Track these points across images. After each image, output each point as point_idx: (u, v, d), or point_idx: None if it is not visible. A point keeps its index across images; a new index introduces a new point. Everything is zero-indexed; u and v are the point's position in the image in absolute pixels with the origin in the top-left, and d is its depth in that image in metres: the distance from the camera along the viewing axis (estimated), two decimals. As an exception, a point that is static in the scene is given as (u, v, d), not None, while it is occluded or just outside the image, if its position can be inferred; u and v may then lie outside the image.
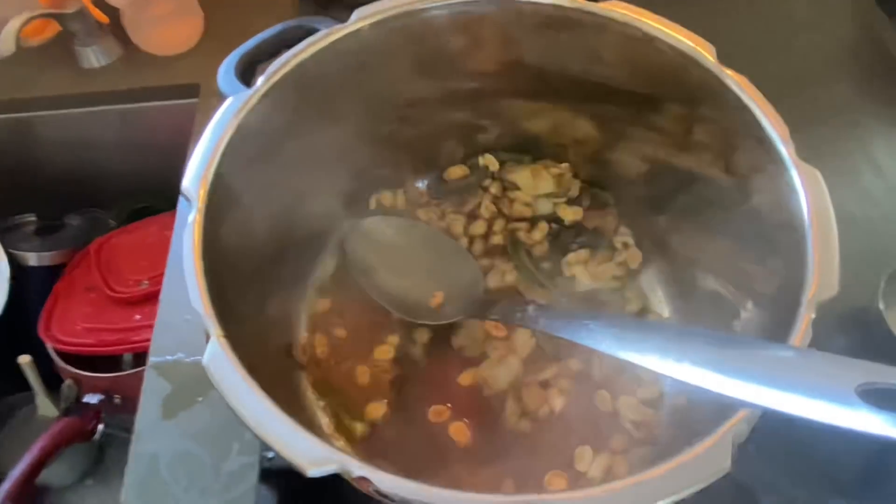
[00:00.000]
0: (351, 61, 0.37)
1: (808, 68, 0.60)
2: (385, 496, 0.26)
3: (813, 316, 0.26)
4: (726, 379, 0.24)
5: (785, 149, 0.30)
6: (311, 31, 0.38)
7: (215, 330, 0.26)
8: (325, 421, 0.40)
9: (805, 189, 0.29)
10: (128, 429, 0.72)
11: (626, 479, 0.23)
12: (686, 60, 0.34)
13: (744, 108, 0.32)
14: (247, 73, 0.37)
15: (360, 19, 0.36)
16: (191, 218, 0.29)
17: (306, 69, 0.35)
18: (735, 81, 0.33)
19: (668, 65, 0.35)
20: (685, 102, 0.37)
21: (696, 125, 0.37)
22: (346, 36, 0.36)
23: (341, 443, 0.39)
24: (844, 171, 0.53)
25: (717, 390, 0.24)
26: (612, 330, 0.30)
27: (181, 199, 0.56)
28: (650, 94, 0.38)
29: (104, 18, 0.66)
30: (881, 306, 0.43)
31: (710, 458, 0.23)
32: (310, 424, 0.39)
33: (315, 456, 0.23)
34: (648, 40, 0.35)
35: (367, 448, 0.39)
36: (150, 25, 0.68)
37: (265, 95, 0.34)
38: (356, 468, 0.23)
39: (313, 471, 0.23)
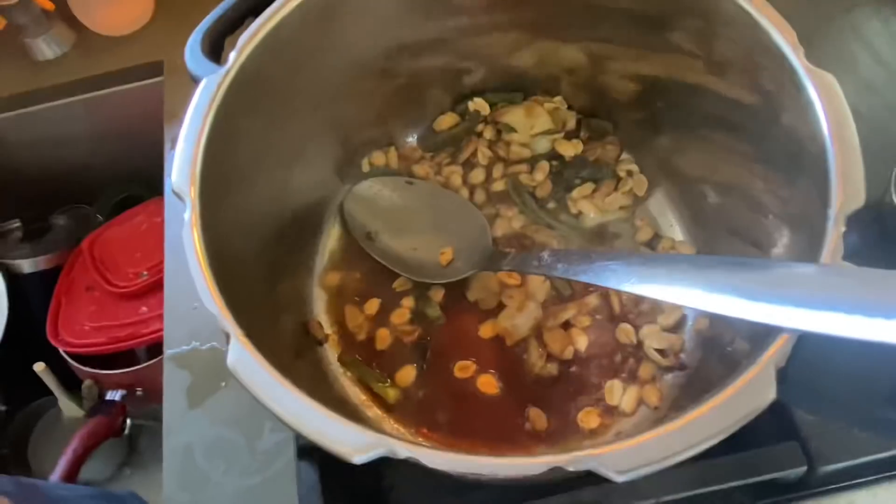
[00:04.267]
0: (321, 17, 0.35)
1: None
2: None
3: (843, 229, 0.25)
4: (762, 305, 0.24)
5: (795, 56, 0.28)
6: (274, -7, 0.35)
7: (235, 331, 0.25)
8: (353, 391, 0.40)
9: (821, 97, 0.28)
10: (156, 417, 0.73)
11: (673, 422, 0.23)
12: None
13: (747, 16, 0.30)
14: (215, 48, 0.35)
15: (325, -28, 0.33)
16: (186, 216, 0.28)
17: (277, 36, 0.33)
18: (735, -12, 0.31)
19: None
20: (681, 16, 0.35)
21: (694, 38, 0.35)
22: (313, -7, 0.33)
23: (374, 411, 0.39)
24: (842, 61, 0.51)
25: (754, 319, 0.24)
26: (635, 268, 0.29)
27: (167, 186, 0.55)
28: (646, 10, 0.36)
29: (49, 5, 0.62)
30: (895, 199, 0.42)
31: (754, 389, 0.23)
32: (340, 399, 0.39)
33: (359, 443, 0.23)
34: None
35: (402, 412, 0.39)
36: (99, 5, 0.64)
37: (239, 72, 0.32)
38: (402, 451, 0.23)
39: (359, 458, 0.23)
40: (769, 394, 0.23)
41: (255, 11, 0.35)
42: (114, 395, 0.67)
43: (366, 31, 0.39)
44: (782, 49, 0.29)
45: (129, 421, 0.68)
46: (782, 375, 0.24)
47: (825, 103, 0.27)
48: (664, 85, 0.41)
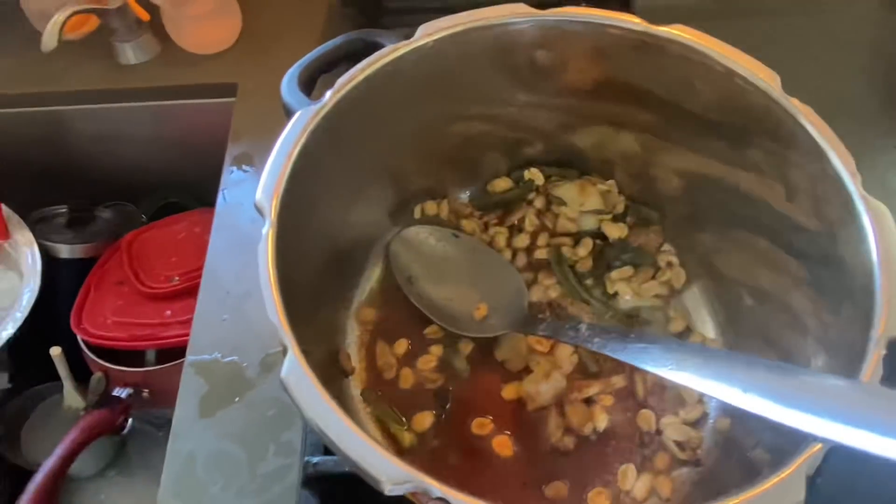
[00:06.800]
0: (412, 78, 0.38)
1: (852, 92, 0.59)
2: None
3: (884, 353, 0.26)
4: (799, 411, 0.25)
5: (852, 182, 0.30)
6: (371, 44, 0.38)
7: (293, 345, 0.26)
8: (370, 428, 0.41)
9: (872, 224, 0.29)
10: (153, 423, 0.73)
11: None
12: (749, 88, 0.34)
13: (809, 139, 0.32)
14: (308, 85, 0.38)
15: (425, 35, 0.36)
16: (265, 231, 0.30)
17: (370, 84, 0.36)
18: (800, 112, 0.33)
19: (731, 90, 0.35)
20: (744, 127, 0.37)
21: (753, 150, 0.37)
22: (411, 52, 0.36)
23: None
24: (885, 193, 0.53)
25: (789, 424, 0.25)
26: (673, 354, 0.30)
27: (220, 199, 0.58)
28: (709, 116, 0.38)
29: (145, 16, 0.66)
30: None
31: (784, 490, 0.23)
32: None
33: (394, 475, 0.24)
34: (713, 66, 0.35)
35: (413, 458, 0.39)
36: (189, 24, 0.68)
37: (332, 110, 0.34)
38: (435, 490, 0.23)
39: (392, 489, 0.24)
40: (799, 496, 0.23)
41: (351, 57, 0.38)
42: (120, 393, 0.68)
43: (447, 93, 0.41)
44: (841, 176, 0.31)
45: (130, 421, 0.68)
46: (810, 485, 0.24)
47: (877, 231, 0.29)
48: (717, 189, 0.42)
